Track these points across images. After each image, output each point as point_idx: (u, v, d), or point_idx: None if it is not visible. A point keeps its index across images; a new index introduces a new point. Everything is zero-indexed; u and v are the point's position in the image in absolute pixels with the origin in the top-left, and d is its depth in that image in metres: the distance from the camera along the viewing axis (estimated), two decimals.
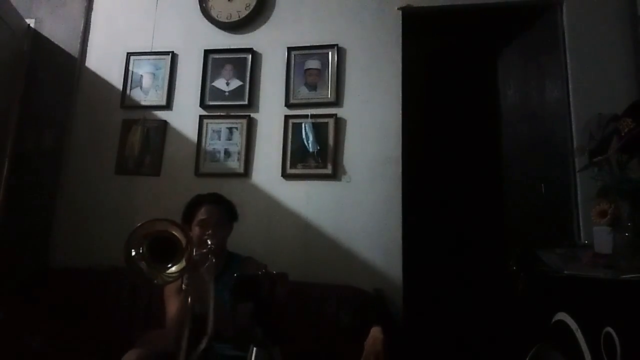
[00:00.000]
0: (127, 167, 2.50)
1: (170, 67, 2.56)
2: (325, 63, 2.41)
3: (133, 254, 1.22)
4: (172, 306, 1.54)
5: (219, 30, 2.57)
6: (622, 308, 1.12)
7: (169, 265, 1.25)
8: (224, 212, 1.71)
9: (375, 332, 1.65)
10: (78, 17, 2.70)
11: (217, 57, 2.53)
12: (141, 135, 2.50)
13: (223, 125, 2.45)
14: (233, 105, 2.46)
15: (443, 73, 3.33)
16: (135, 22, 2.67)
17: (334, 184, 2.28)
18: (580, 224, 2.06)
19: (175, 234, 1.25)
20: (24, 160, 2.55)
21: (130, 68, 2.61)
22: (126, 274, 1.27)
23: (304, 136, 2.31)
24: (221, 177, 2.39)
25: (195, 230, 1.62)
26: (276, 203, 2.32)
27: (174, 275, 1.26)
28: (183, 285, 1.37)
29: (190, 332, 1.25)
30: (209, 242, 1.50)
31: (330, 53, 2.41)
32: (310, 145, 2.29)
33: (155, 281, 1.25)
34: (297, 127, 2.35)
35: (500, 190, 2.71)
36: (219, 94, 2.49)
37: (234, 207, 1.76)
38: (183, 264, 1.24)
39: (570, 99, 2.17)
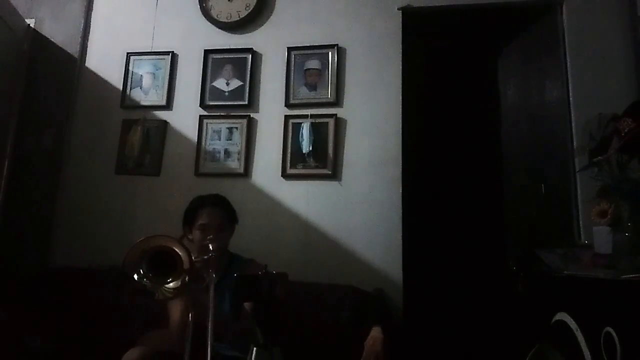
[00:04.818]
0: (127, 167, 2.50)
1: (170, 67, 2.56)
2: (325, 63, 2.41)
3: (135, 277, 1.21)
4: (175, 311, 1.53)
5: (219, 30, 2.57)
6: (622, 308, 1.12)
7: (169, 280, 1.24)
8: (225, 214, 1.67)
9: (375, 332, 1.65)
10: (78, 17, 2.70)
11: (217, 57, 2.53)
12: (141, 135, 2.50)
13: (223, 125, 2.45)
14: (233, 105, 2.46)
15: (443, 73, 3.33)
16: (135, 22, 2.67)
17: (334, 184, 2.28)
18: (580, 224, 2.05)
19: (177, 250, 1.24)
20: (24, 160, 2.55)
21: (130, 68, 2.61)
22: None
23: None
24: (221, 177, 2.39)
25: (196, 234, 1.60)
26: (276, 203, 2.32)
27: (172, 291, 1.24)
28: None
29: (193, 337, 1.25)
30: (210, 247, 1.47)
31: (330, 53, 2.41)
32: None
33: (157, 295, 1.24)
34: (297, 127, 2.34)
35: (500, 190, 2.71)
36: (219, 94, 2.49)
37: (234, 209, 1.75)
38: (179, 283, 1.24)
39: (570, 99, 2.17)
